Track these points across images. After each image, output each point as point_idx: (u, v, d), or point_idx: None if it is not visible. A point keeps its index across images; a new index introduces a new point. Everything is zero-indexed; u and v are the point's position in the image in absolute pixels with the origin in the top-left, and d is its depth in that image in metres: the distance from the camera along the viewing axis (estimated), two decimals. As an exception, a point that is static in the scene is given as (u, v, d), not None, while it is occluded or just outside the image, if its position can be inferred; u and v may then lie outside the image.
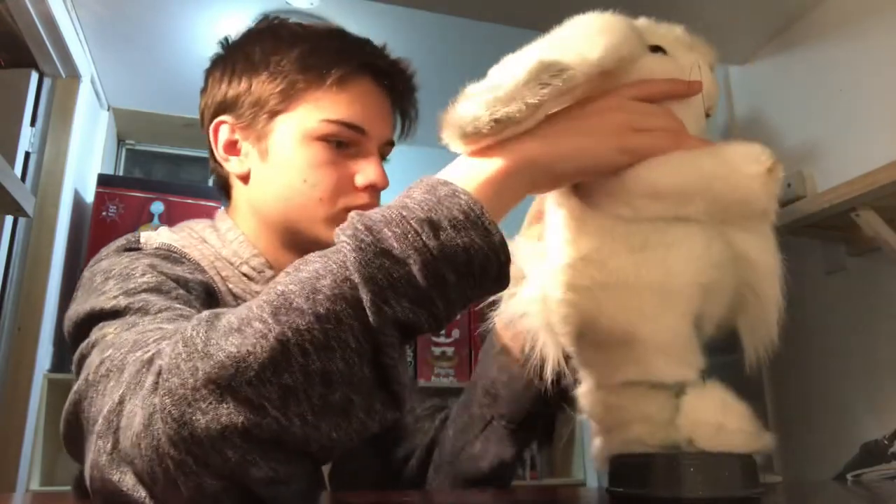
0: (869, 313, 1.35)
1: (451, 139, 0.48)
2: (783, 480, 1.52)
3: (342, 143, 0.71)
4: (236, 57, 0.75)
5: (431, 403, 0.86)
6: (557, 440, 0.74)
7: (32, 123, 1.63)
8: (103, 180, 1.91)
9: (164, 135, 2.35)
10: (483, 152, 0.47)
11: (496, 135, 0.46)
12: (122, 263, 0.60)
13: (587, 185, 0.53)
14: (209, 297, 0.63)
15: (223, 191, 0.79)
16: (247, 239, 0.73)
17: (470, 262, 0.43)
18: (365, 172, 0.72)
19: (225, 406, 0.38)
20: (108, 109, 2.15)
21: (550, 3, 1.39)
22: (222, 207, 0.79)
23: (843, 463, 0.97)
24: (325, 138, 0.71)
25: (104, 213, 1.85)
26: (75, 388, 0.49)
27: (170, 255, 0.65)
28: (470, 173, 0.46)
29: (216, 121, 0.74)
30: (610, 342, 0.49)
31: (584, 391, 0.53)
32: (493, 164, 0.47)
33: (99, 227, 1.84)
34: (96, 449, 0.43)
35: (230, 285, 0.69)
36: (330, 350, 0.39)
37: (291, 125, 0.71)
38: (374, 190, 0.73)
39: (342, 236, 0.43)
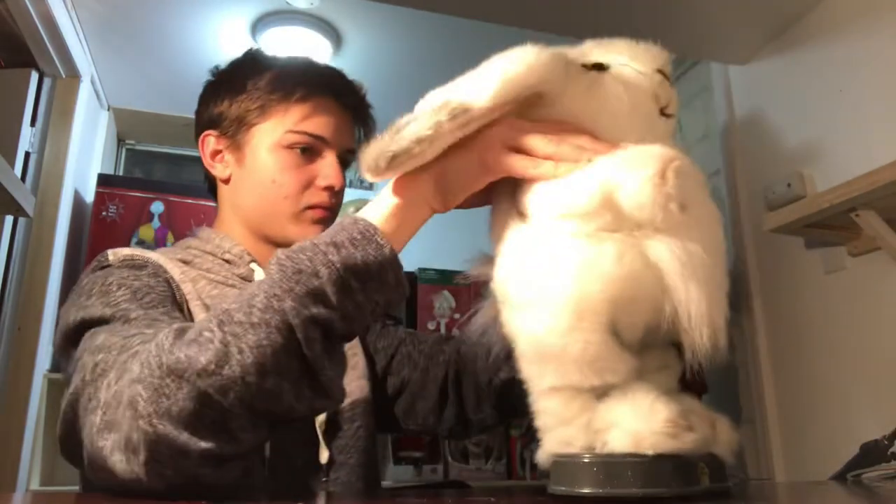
0: (869, 313, 1.35)
1: (363, 173, 0.57)
2: (781, 480, 1.52)
3: (306, 150, 0.84)
4: (221, 81, 0.90)
5: (433, 338, 0.96)
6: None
7: (32, 123, 1.63)
8: (103, 180, 1.90)
9: (164, 135, 2.34)
10: (393, 187, 0.59)
11: (397, 168, 0.55)
12: (98, 281, 0.71)
13: (521, 206, 0.57)
14: (173, 290, 0.75)
15: (212, 192, 0.94)
16: (227, 235, 0.87)
17: (368, 270, 0.54)
18: (324, 174, 0.85)
19: (181, 392, 0.49)
20: (108, 109, 2.15)
21: (550, 3, 1.39)
22: (203, 225, 0.93)
23: (843, 463, 0.97)
24: (290, 146, 0.84)
25: (104, 213, 1.85)
26: (72, 388, 0.58)
27: (133, 262, 0.76)
28: (377, 208, 0.59)
29: (203, 134, 0.89)
30: (531, 354, 0.53)
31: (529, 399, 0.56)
32: (392, 199, 0.59)
33: (99, 227, 1.83)
34: (89, 424, 0.53)
35: (211, 274, 0.82)
36: (262, 348, 0.50)
37: (263, 136, 0.85)
38: (332, 190, 0.86)
39: (270, 267, 0.55)
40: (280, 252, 0.56)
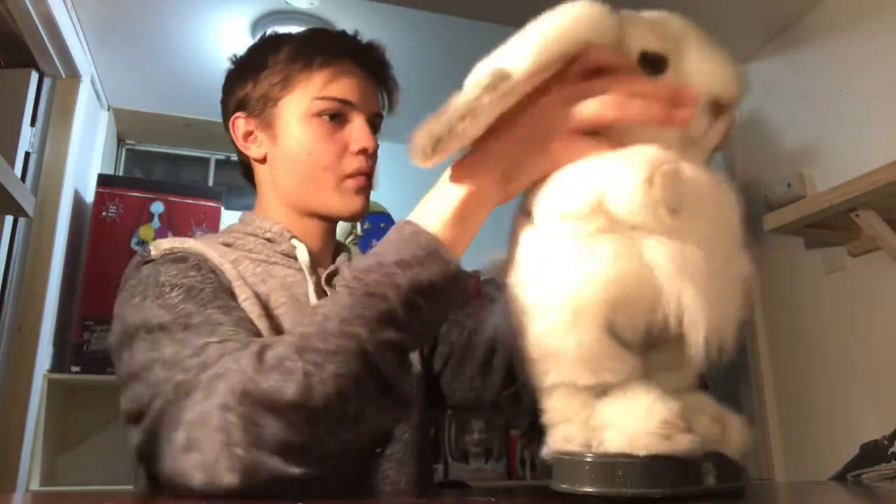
0: (869, 313, 1.35)
1: (414, 160, 0.54)
2: (781, 480, 1.52)
3: (335, 117, 0.84)
4: (242, 65, 0.90)
5: (483, 302, 0.94)
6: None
7: (32, 123, 1.63)
8: (103, 180, 1.90)
9: (164, 135, 2.34)
10: (456, 183, 0.56)
11: (444, 150, 0.52)
12: (150, 281, 0.71)
13: (528, 206, 0.56)
14: (218, 277, 0.75)
15: (248, 176, 0.94)
16: (266, 216, 0.87)
17: (434, 289, 0.55)
18: (356, 139, 0.84)
19: (269, 421, 0.52)
20: (108, 109, 2.15)
21: (550, 4, 1.39)
22: (243, 211, 0.92)
23: (843, 463, 0.97)
24: (319, 114, 0.84)
25: (104, 213, 1.85)
26: (158, 406, 0.59)
27: (174, 255, 0.75)
28: (435, 211, 0.57)
29: (232, 117, 0.89)
30: (535, 352, 0.53)
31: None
32: (455, 201, 0.56)
33: (99, 227, 1.84)
34: (172, 441, 0.55)
35: (253, 254, 0.83)
36: (341, 376, 0.53)
37: (291, 108, 0.85)
38: (366, 153, 0.85)
39: (339, 286, 0.57)
40: (348, 272, 0.57)
